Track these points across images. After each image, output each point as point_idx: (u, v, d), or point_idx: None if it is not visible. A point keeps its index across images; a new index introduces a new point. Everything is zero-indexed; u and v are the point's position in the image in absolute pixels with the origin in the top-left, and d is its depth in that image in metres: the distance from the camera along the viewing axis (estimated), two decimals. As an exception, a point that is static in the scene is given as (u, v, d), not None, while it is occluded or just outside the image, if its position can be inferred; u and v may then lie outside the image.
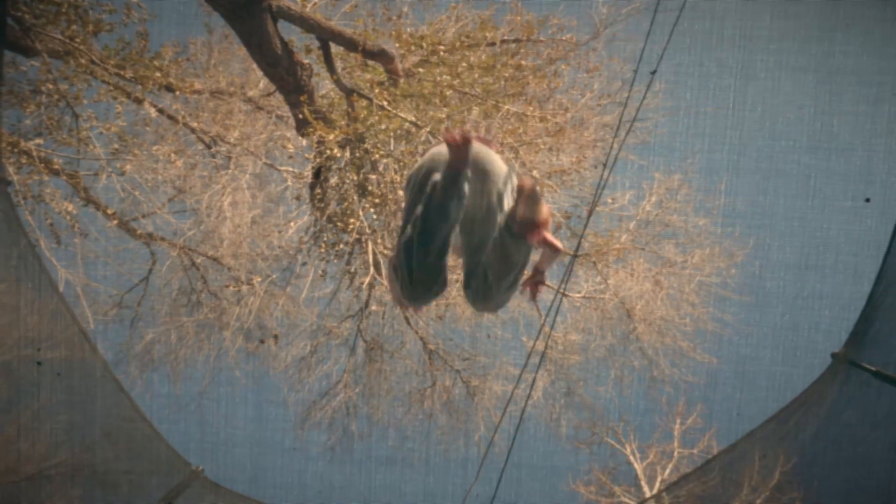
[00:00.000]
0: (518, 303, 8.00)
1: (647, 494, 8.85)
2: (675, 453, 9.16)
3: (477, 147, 2.51)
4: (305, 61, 6.82)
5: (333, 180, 7.43)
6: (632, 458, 9.19)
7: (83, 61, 6.54)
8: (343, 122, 7.01)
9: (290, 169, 7.61)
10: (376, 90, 6.93)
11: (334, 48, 6.91)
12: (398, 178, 7.10)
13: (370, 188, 7.22)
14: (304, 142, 7.26)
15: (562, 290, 7.10)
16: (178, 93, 7.03)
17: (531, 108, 7.18)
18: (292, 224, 7.59)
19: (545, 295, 8.14)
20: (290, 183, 7.58)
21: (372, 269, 7.37)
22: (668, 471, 9.18)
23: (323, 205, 7.44)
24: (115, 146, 6.93)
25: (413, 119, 6.89)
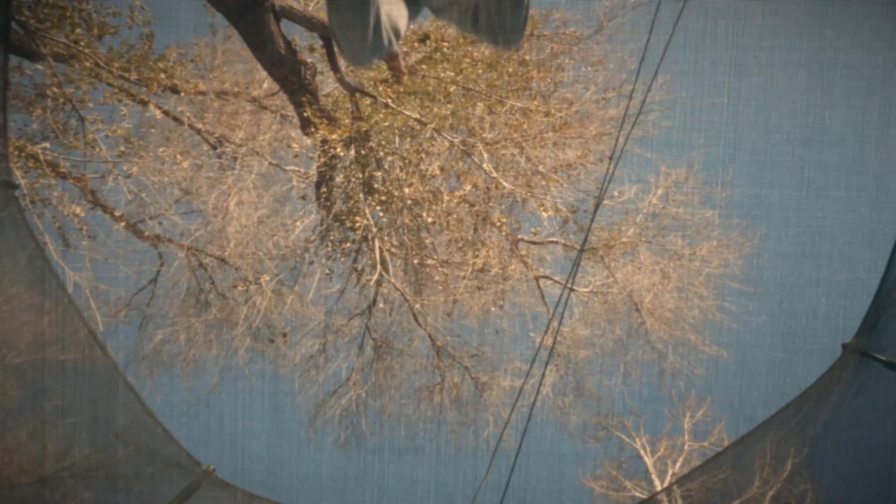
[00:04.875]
0: (526, 298, 7.99)
1: (658, 488, 8.84)
2: (686, 446, 9.14)
3: None
4: (309, 60, 6.82)
5: (339, 179, 7.44)
6: (642, 451, 9.17)
7: (88, 64, 6.56)
8: (347, 121, 7.01)
9: (296, 168, 7.62)
10: (380, 88, 6.92)
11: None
12: (403, 176, 7.09)
13: (376, 186, 7.22)
14: (310, 141, 7.27)
15: (569, 285, 7.09)
16: (182, 94, 7.04)
17: (535, 103, 7.16)
18: (298, 223, 7.60)
19: (552, 289, 8.15)
20: (295, 182, 7.59)
21: (379, 267, 7.38)
22: (678, 464, 9.16)
23: (329, 203, 7.45)
24: (122, 148, 6.96)
25: (417, 116, 6.88)
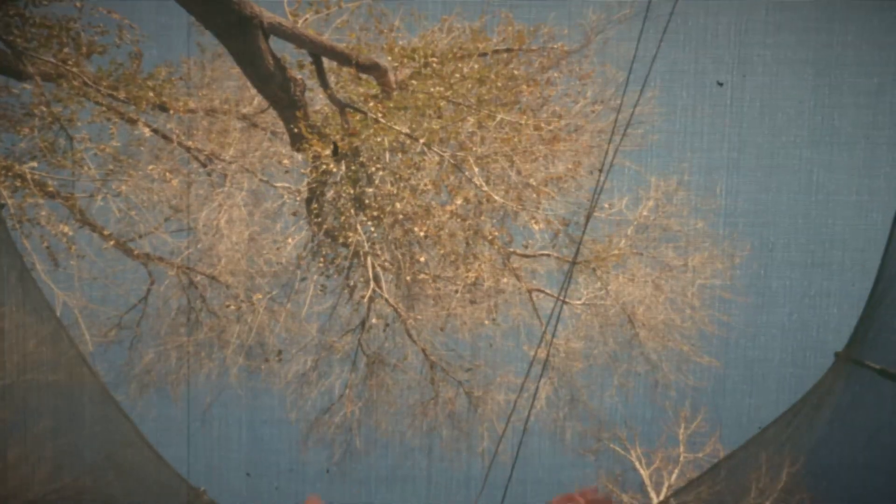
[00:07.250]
0: (519, 311, 7.98)
1: (655, 500, 8.80)
2: (681, 458, 9.11)
3: None
4: (298, 77, 6.83)
5: (330, 194, 7.43)
6: (637, 463, 9.14)
7: (76, 83, 6.54)
8: (338, 137, 7.01)
9: (287, 184, 7.61)
10: (370, 103, 6.94)
11: (327, 63, 6.92)
12: (394, 191, 7.09)
13: (367, 201, 7.21)
14: (300, 157, 7.27)
15: (562, 298, 7.08)
16: (172, 112, 7.04)
17: (525, 117, 7.20)
18: (290, 240, 7.57)
19: (545, 302, 8.16)
20: (286, 199, 7.57)
21: (372, 283, 7.35)
22: (674, 475, 9.13)
23: (320, 219, 7.43)
24: (110, 167, 6.94)
25: (408, 131, 6.89)
